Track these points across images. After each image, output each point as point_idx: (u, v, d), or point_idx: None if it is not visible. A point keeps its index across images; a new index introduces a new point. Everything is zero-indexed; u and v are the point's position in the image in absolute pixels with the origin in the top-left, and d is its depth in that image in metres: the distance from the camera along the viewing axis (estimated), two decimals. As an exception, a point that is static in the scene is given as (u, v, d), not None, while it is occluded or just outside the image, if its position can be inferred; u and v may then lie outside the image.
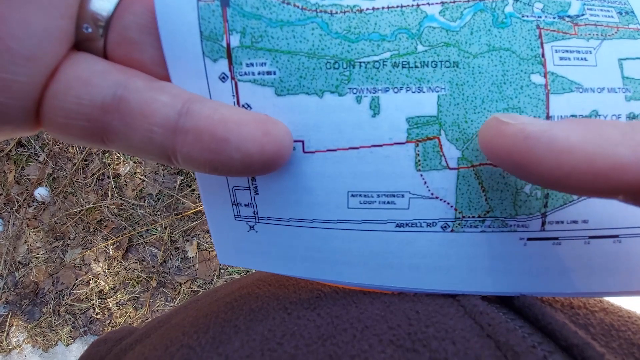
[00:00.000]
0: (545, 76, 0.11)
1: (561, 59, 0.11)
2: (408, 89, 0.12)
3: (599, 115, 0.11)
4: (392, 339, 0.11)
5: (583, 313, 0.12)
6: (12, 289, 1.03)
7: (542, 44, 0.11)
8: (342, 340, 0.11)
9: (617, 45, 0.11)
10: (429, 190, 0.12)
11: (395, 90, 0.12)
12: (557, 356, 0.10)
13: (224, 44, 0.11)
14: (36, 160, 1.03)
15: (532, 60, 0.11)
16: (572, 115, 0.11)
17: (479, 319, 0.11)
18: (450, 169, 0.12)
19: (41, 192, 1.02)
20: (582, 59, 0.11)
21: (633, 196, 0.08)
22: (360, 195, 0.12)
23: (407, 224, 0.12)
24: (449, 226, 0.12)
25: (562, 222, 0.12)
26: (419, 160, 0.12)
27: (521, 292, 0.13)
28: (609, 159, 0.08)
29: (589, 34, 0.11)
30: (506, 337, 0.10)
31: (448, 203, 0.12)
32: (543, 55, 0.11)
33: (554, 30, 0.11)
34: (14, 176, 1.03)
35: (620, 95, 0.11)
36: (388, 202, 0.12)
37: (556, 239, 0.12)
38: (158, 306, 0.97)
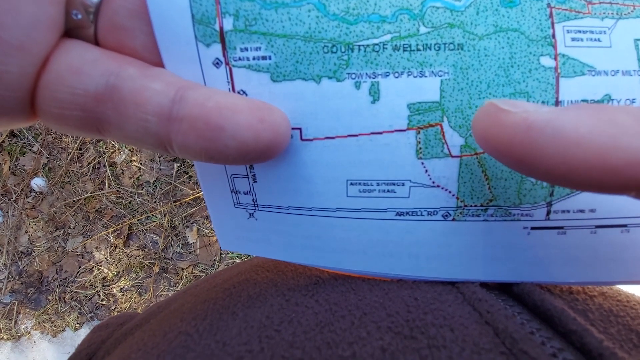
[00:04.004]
0: (555, 58, 0.11)
1: (573, 39, 0.11)
2: (409, 73, 0.11)
3: (612, 99, 0.11)
4: (390, 326, 0.11)
5: (582, 299, 0.12)
6: (16, 278, 1.04)
7: (552, 24, 0.11)
8: (340, 327, 0.11)
9: (634, 24, 0.11)
10: (430, 179, 0.12)
11: (396, 75, 0.11)
12: (555, 342, 0.10)
13: (217, 27, 0.11)
14: (30, 150, 1.02)
15: (541, 42, 0.11)
16: (584, 100, 0.11)
17: (477, 306, 0.11)
18: (452, 156, 0.12)
19: (38, 183, 1.01)
20: (595, 39, 0.11)
21: None
22: (359, 184, 0.12)
23: (407, 213, 0.12)
24: (451, 215, 0.12)
25: (568, 211, 0.12)
26: (420, 148, 0.12)
27: (523, 280, 0.13)
28: (624, 153, 0.07)
29: (604, 13, 0.11)
30: (505, 324, 0.10)
31: (450, 192, 0.12)
32: (554, 36, 0.11)
33: (566, 9, 0.11)
34: (9, 167, 1.02)
35: (635, 78, 0.11)
36: (388, 191, 0.12)
37: (561, 228, 0.12)
38: (162, 291, 0.99)
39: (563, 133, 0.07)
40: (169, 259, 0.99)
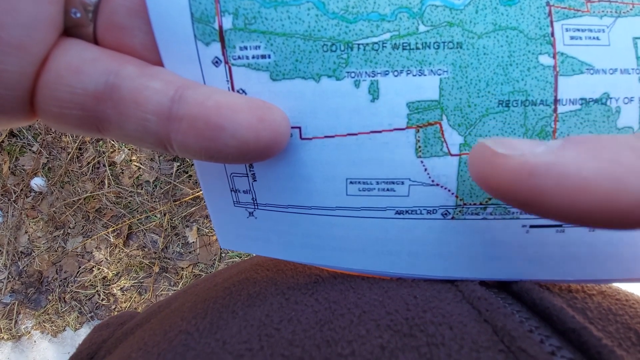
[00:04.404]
0: (554, 57, 0.11)
1: (572, 38, 0.11)
2: (409, 72, 0.11)
3: (611, 98, 0.11)
4: (389, 324, 0.11)
5: (581, 297, 0.12)
6: (16, 278, 1.05)
7: (551, 22, 0.11)
8: (339, 326, 0.11)
9: (633, 22, 0.11)
10: (430, 177, 0.12)
11: (395, 73, 0.11)
12: (554, 340, 0.10)
13: (216, 26, 0.11)
14: (30, 150, 1.02)
15: (540, 40, 0.11)
16: (582, 99, 0.11)
17: (476, 304, 0.11)
18: (451, 155, 0.12)
19: (38, 182, 1.01)
20: (594, 38, 0.11)
21: None
22: (359, 183, 0.12)
23: (406, 211, 0.12)
24: (450, 213, 0.12)
25: None
26: (420, 147, 0.12)
27: (522, 278, 0.13)
28: (633, 195, 0.06)
29: (603, 11, 0.11)
30: (503, 322, 0.10)
31: (449, 190, 0.12)
32: (552, 34, 0.11)
33: (565, 8, 0.11)
34: (9, 167, 1.02)
35: (634, 76, 0.11)
36: (387, 190, 0.12)
37: (560, 226, 0.12)
38: (162, 290, 0.99)
39: (567, 179, 0.07)
40: (168, 259, 0.99)
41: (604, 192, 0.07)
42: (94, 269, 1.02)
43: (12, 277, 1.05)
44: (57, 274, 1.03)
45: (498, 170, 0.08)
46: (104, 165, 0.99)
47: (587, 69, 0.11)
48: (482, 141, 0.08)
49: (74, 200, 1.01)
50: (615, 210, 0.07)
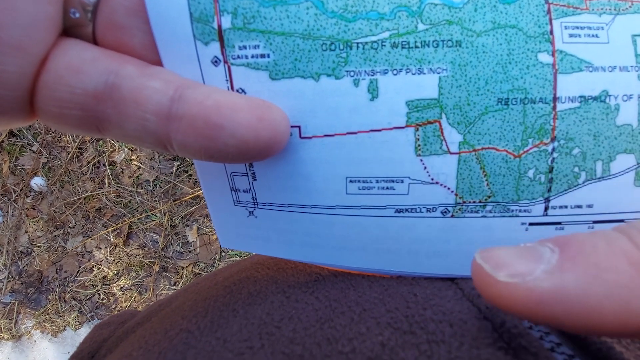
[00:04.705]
0: (553, 55, 0.11)
1: (571, 36, 0.11)
2: (408, 70, 0.11)
3: (610, 95, 0.11)
4: (389, 321, 0.11)
5: None
6: (16, 278, 1.05)
7: (550, 20, 0.11)
8: (339, 323, 0.11)
9: (632, 20, 0.11)
10: (429, 176, 0.12)
11: (395, 72, 0.11)
12: (553, 337, 0.10)
13: (215, 25, 0.11)
14: (30, 150, 1.02)
15: (539, 38, 0.11)
16: (581, 96, 0.11)
17: (476, 302, 0.11)
18: (451, 153, 0.12)
19: (37, 182, 1.01)
20: (593, 35, 0.11)
21: None
22: (358, 181, 0.12)
23: (406, 210, 0.12)
24: (449, 211, 0.12)
25: (566, 207, 0.12)
26: (419, 145, 0.12)
27: None
28: None
29: (602, 9, 0.11)
30: (503, 319, 0.10)
31: (448, 188, 0.12)
32: (551, 32, 0.11)
33: (564, 5, 0.11)
34: (9, 167, 1.01)
35: (632, 74, 0.11)
36: (387, 188, 0.12)
37: (559, 223, 0.12)
38: (162, 290, 0.99)
39: (574, 306, 0.07)
40: (169, 258, 0.99)
41: (614, 317, 0.07)
42: (94, 268, 1.02)
43: (12, 276, 1.05)
44: (57, 273, 1.03)
45: (505, 299, 0.08)
46: (104, 165, 0.99)
47: (586, 67, 0.11)
48: (479, 261, 0.08)
49: (74, 200, 1.01)
50: (628, 329, 0.07)
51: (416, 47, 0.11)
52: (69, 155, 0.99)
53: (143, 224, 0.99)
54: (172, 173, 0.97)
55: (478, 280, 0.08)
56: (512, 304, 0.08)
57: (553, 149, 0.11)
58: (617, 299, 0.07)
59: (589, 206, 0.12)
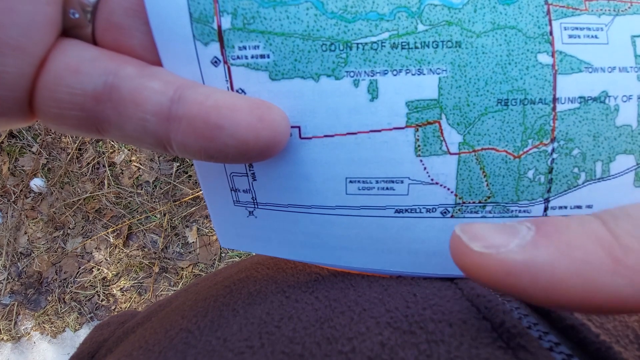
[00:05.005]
0: (552, 55, 0.11)
1: (570, 36, 0.11)
2: (408, 71, 0.11)
3: (609, 96, 0.11)
4: (389, 321, 0.11)
5: None
6: (16, 279, 1.04)
7: (550, 21, 0.11)
8: (339, 323, 0.11)
9: (631, 21, 0.11)
10: (429, 176, 0.12)
11: (394, 72, 0.11)
12: (552, 337, 0.10)
13: (215, 26, 0.11)
14: (29, 151, 1.02)
15: (539, 39, 0.11)
16: (581, 97, 0.11)
17: (475, 302, 0.11)
18: (450, 154, 0.12)
19: (37, 183, 1.01)
20: (592, 36, 0.11)
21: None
22: (358, 182, 0.12)
23: (406, 210, 0.12)
24: (449, 212, 0.12)
25: (566, 207, 0.12)
26: (419, 146, 0.12)
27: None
28: (604, 294, 0.07)
29: (601, 10, 0.11)
30: (502, 319, 0.10)
31: (448, 189, 0.12)
32: (551, 33, 0.11)
33: (563, 6, 0.11)
34: (8, 168, 1.01)
35: (632, 74, 0.11)
36: (387, 188, 0.12)
37: None
38: (162, 291, 0.99)
39: (541, 278, 0.07)
40: (168, 259, 0.99)
41: (578, 291, 0.07)
42: (93, 269, 1.02)
43: (11, 278, 1.05)
44: (56, 274, 1.03)
45: (477, 269, 0.08)
46: (103, 166, 0.99)
47: (586, 68, 0.11)
48: (457, 232, 0.09)
49: (73, 201, 1.01)
50: (592, 305, 0.07)
51: (416, 47, 0.11)
52: (69, 156, 0.99)
53: (143, 225, 0.99)
54: (172, 174, 0.97)
55: (454, 250, 0.09)
56: (482, 273, 0.08)
57: (553, 150, 0.12)
58: (583, 274, 0.07)
59: (589, 207, 0.12)
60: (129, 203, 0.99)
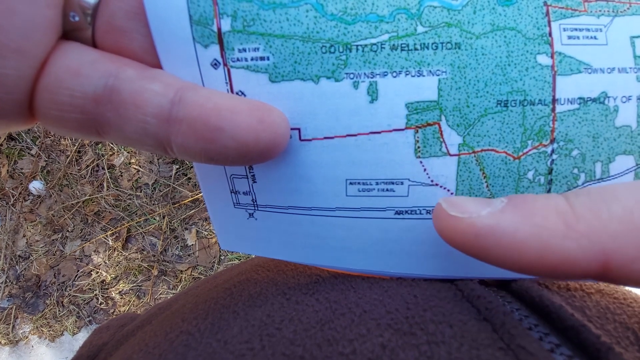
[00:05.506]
0: (552, 56, 0.11)
1: (569, 37, 0.11)
2: (407, 73, 0.11)
3: (609, 97, 0.11)
4: (389, 322, 0.11)
5: (579, 295, 0.13)
6: (14, 283, 1.04)
7: (549, 22, 0.11)
8: (340, 325, 0.11)
9: (630, 22, 0.11)
10: (429, 177, 0.12)
11: (394, 74, 0.11)
12: (553, 338, 0.10)
13: (215, 28, 0.11)
14: (28, 153, 1.01)
15: (538, 40, 0.11)
16: (580, 98, 0.11)
17: (476, 303, 0.11)
18: (450, 155, 0.12)
19: (36, 186, 1.01)
20: (591, 37, 0.11)
21: (592, 279, 0.08)
22: (358, 183, 0.12)
23: (406, 212, 0.12)
24: None
25: None
26: (419, 147, 0.12)
27: (520, 277, 0.13)
28: (556, 255, 0.08)
29: (600, 11, 0.11)
30: (502, 320, 0.10)
31: (448, 190, 0.12)
32: (550, 34, 0.11)
33: (562, 7, 0.11)
34: (7, 170, 1.01)
35: (631, 75, 0.11)
36: (387, 190, 0.12)
37: None
38: (161, 294, 0.99)
39: (505, 239, 0.08)
40: (167, 262, 0.99)
41: (534, 252, 0.08)
42: (92, 272, 1.01)
43: (9, 281, 1.04)
44: (55, 277, 1.03)
45: (451, 231, 0.09)
46: (102, 168, 0.99)
47: (585, 69, 0.11)
48: (440, 201, 0.10)
49: (72, 204, 1.00)
50: (545, 266, 0.08)
51: (415, 49, 0.11)
52: (68, 159, 0.99)
53: (142, 228, 0.99)
54: (171, 176, 0.97)
55: (435, 216, 0.10)
56: (455, 235, 0.09)
57: (552, 151, 0.12)
58: (539, 237, 0.08)
59: None
60: (128, 206, 0.99)
